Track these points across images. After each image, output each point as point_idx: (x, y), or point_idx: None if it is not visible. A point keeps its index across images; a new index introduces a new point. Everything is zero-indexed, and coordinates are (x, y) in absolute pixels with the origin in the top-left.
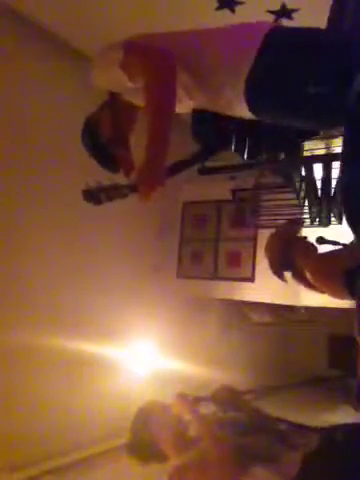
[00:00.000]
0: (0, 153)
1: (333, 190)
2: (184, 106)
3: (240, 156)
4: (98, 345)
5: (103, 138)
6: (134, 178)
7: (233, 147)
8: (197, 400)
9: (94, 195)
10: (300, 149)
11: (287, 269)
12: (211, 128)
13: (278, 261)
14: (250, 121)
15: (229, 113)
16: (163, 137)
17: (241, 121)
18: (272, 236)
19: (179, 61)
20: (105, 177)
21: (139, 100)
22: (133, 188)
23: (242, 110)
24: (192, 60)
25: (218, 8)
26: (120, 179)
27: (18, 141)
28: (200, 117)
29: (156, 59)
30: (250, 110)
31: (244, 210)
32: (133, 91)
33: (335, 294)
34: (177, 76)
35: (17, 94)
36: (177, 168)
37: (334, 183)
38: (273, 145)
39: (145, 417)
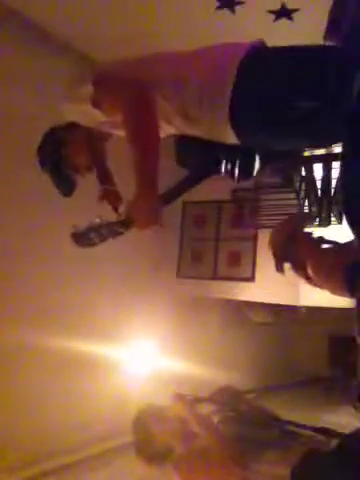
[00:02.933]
0: (0, 153)
1: (333, 190)
2: (163, 132)
3: (231, 179)
4: (98, 345)
5: (64, 158)
6: (126, 214)
7: (223, 170)
8: (196, 400)
9: (85, 237)
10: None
11: (288, 261)
12: (196, 154)
13: (280, 253)
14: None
15: (214, 139)
16: (151, 173)
17: (230, 145)
18: (277, 227)
19: (157, 89)
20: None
21: (116, 130)
22: (127, 224)
23: (228, 136)
24: (170, 87)
25: (218, 8)
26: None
27: (18, 141)
28: (184, 143)
29: (132, 93)
30: (237, 136)
31: (244, 210)
32: (108, 123)
33: (336, 291)
34: (160, 105)
35: (17, 94)
36: (168, 197)
37: (334, 183)
38: (268, 159)
39: (144, 419)
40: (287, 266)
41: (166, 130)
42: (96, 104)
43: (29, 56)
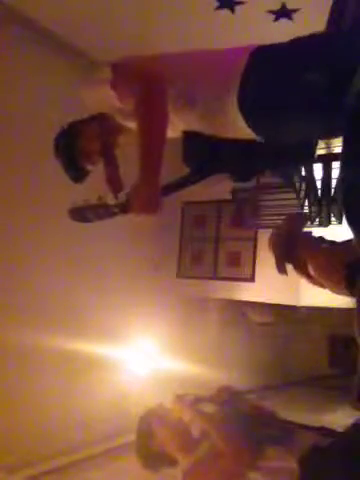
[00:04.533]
0: (1, 153)
1: (333, 190)
2: (175, 129)
3: (234, 179)
4: (98, 345)
5: (78, 148)
6: (125, 198)
7: (226, 171)
8: (197, 400)
9: (82, 213)
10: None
11: (289, 262)
12: (202, 153)
13: (281, 253)
14: (243, 144)
15: (225, 134)
16: (156, 159)
17: (234, 144)
18: (277, 228)
19: (170, 84)
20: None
21: (129, 121)
22: (123, 208)
23: (239, 128)
24: (183, 83)
25: (218, 8)
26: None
27: (18, 141)
28: (191, 141)
29: (146, 80)
30: (247, 123)
31: (244, 210)
32: (122, 112)
33: (336, 290)
34: (168, 98)
35: (17, 94)
36: (167, 190)
37: (334, 183)
38: (268, 164)
39: (147, 425)
40: (288, 266)
41: (177, 125)
42: (115, 87)
43: (29, 56)
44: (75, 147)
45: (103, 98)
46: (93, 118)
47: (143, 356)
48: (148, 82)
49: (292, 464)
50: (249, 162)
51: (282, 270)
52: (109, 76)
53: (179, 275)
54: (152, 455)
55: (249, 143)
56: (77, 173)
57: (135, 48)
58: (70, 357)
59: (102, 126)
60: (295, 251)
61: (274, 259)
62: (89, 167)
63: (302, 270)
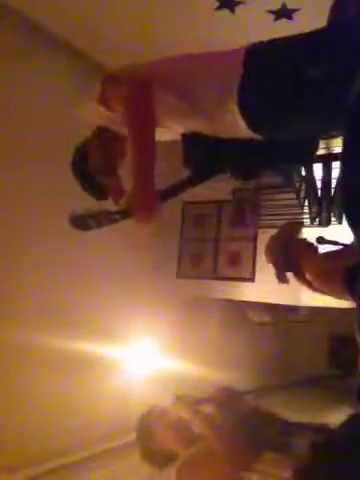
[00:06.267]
0: (2, 156)
1: (333, 190)
2: (174, 132)
3: (236, 178)
4: (98, 345)
5: (91, 167)
6: (124, 204)
7: (228, 172)
8: (197, 401)
9: (83, 221)
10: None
11: (289, 270)
12: (202, 154)
13: (279, 263)
14: (243, 142)
15: (226, 134)
16: (147, 163)
17: (234, 143)
18: (272, 238)
19: (169, 88)
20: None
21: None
22: (124, 214)
23: (240, 128)
24: (182, 86)
25: (218, 8)
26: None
27: (18, 141)
28: (190, 143)
29: (132, 86)
30: (248, 123)
31: (244, 210)
32: (119, 121)
33: (336, 294)
34: (167, 103)
35: (17, 94)
36: (167, 194)
37: (334, 183)
38: (269, 164)
39: (147, 426)
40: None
41: (176, 128)
42: (103, 101)
43: (29, 56)
44: (88, 165)
45: (95, 111)
46: (94, 133)
47: (143, 356)
48: (133, 87)
49: (288, 470)
50: (250, 160)
51: (282, 279)
52: (98, 90)
53: (179, 275)
54: (154, 454)
55: (250, 142)
56: (96, 190)
57: (135, 48)
58: (70, 357)
59: (101, 138)
60: (293, 258)
61: (273, 268)
62: (107, 181)
63: (302, 277)
